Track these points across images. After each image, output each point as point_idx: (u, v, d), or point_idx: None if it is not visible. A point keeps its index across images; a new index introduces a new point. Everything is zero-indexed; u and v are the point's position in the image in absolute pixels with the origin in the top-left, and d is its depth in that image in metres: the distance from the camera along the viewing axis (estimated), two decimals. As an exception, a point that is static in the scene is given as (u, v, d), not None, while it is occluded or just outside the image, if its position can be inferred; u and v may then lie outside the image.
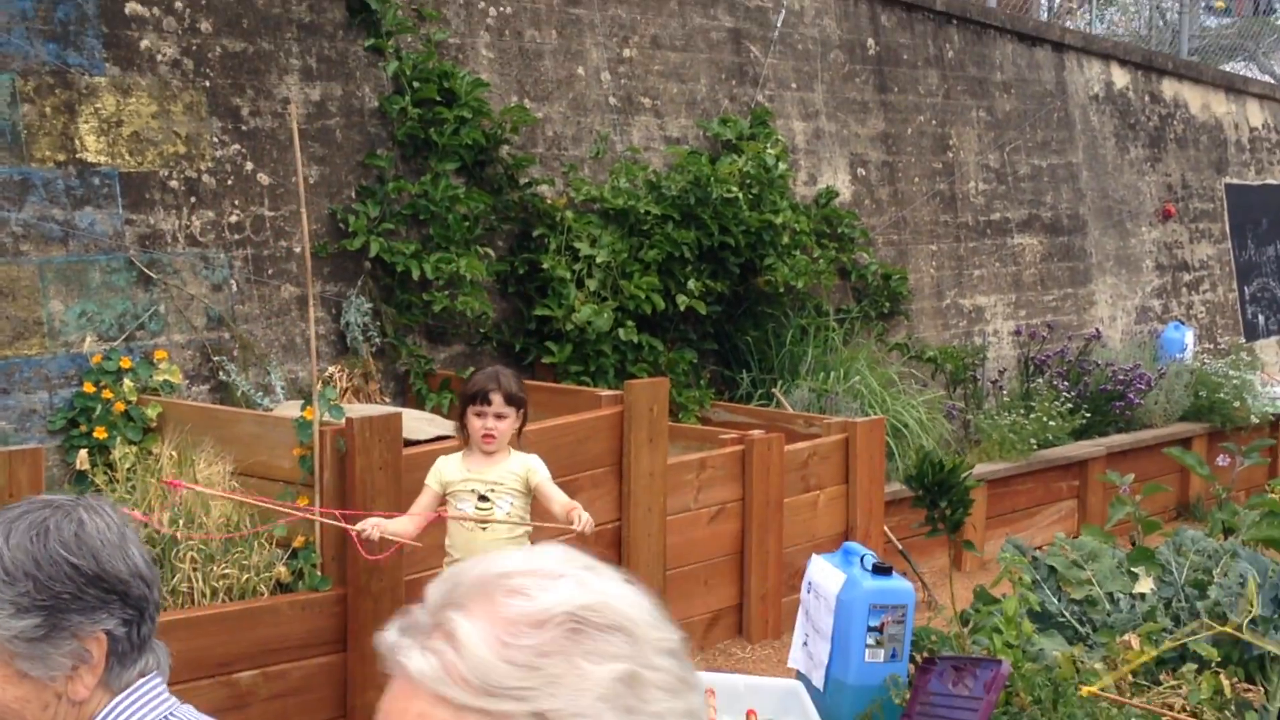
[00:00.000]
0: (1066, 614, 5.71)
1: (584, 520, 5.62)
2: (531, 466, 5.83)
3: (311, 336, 6.55)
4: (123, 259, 7.44)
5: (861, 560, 5.26)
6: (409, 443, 6.86)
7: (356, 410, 6.96)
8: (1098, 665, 5.12)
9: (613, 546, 7.48)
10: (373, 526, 5.67)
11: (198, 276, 7.74)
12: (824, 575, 5.39)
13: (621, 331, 8.80)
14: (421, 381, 8.42)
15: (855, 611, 5.16)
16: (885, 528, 8.95)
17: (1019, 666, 5.09)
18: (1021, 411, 10.84)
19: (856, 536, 8.69)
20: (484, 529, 5.70)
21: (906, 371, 10.63)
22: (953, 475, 4.90)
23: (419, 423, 7.25)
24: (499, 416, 5.76)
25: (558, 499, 5.78)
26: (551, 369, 8.86)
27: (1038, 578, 5.80)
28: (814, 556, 5.57)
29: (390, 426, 6.55)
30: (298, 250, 8.05)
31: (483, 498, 5.72)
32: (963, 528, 5.27)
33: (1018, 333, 12.37)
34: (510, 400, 5.78)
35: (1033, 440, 10.51)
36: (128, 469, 6.85)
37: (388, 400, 8.29)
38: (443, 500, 5.80)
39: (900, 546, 9.10)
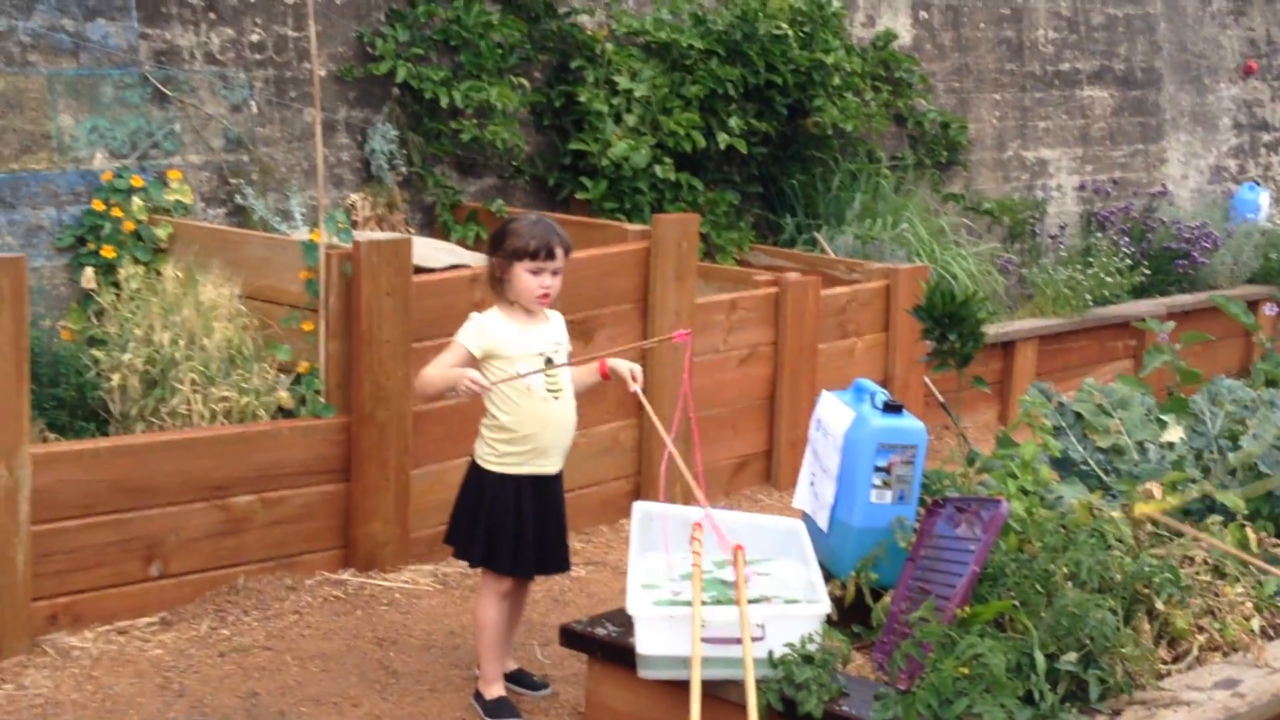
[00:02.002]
0: (1090, 462, 5.43)
1: (640, 376, 5.32)
2: (565, 332, 5.36)
3: (318, 155, 6.29)
4: (137, 75, 7.20)
5: (872, 398, 4.97)
6: (421, 270, 6.63)
7: (369, 236, 6.73)
8: (1115, 514, 4.83)
9: (635, 386, 7.23)
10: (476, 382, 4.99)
11: (216, 96, 7.49)
12: (832, 413, 5.12)
13: (659, 169, 8.49)
14: (448, 213, 8.16)
15: (862, 451, 4.88)
16: (926, 378, 8.64)
17: (1033, 513, 4.82)
18: (1079, 267, 10.45)
19: (895, 387, 8.42)
20: (557, 399, 5.17)
21: (960, 222, 10.27)
22: (965, 307, 4.59)
23: (434, 251, 7.00)
24: (555, 273, 5.16)
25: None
26: (586, 205, 8.58)
27: (1062, 424, 5.51)
28: (824, 393, 5.28)
29: (399, 252, 6.31)
30: (322, 73, 7.77)
31: (549, 361, 5.16)
32: (972, 361, 4.96)
33: (1082, 188, 11.94)
34: (567, 253, 5.20)
35: (1088, 296, 10.14)
36: (134, 289, 6.66)
37: (413, 231, 8.05)
38: (475, 367, 5.10)
39: (941, 398, 8.76)
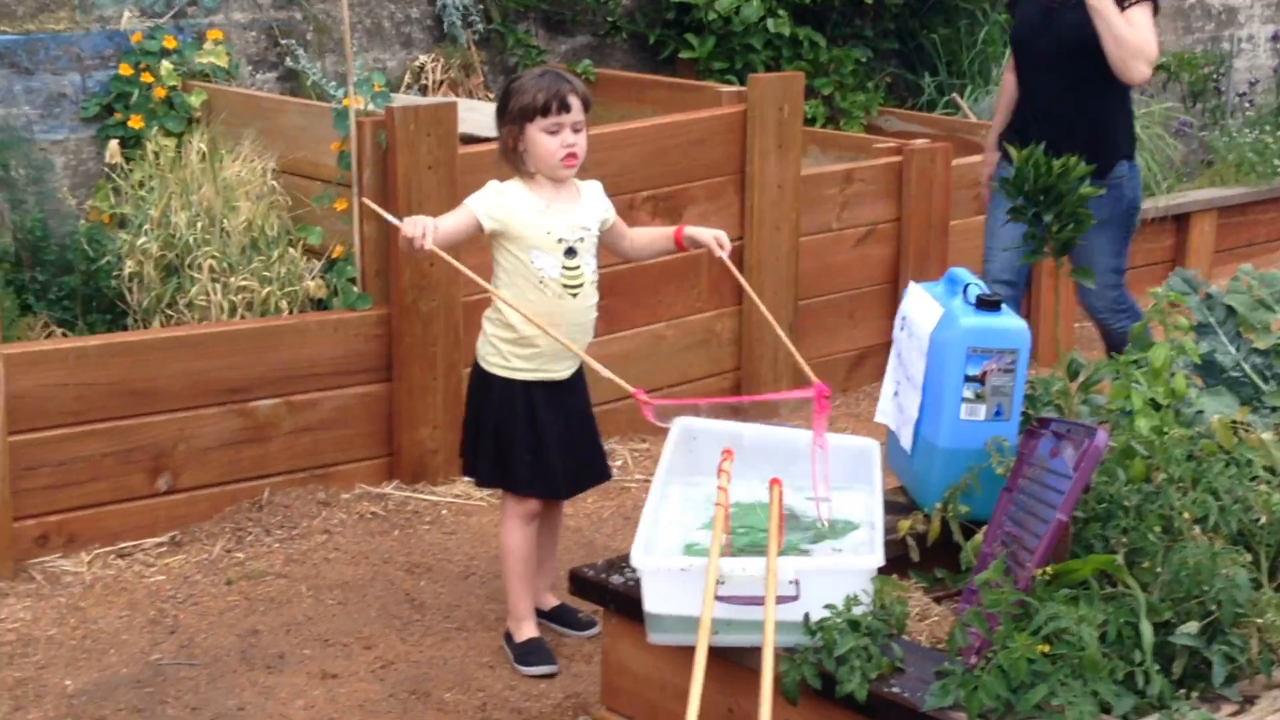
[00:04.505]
0: (1245, 367, 4.44)
1: (727, 244, 4.50)
2: (607, 203, 4.54)
3: (344, 4, 5.44)
4: (169, -79, 6.45)
5: (965, 291, 4.06)
6: (473, 140, 5.81)
7: (407, 101, 5.92)
8: (1266, 435, 3.87)
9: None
10: (423, 229, 4.11)
11: (264, -55, 6.71)
12: (919, 309, 4.21)
13: (772, 23, 7.53)
14: (532, 76, 7.30)
15: (950, 355, 3.98)
16: (1079, 259, 7.64)
17: (1163, 433, 3.88)
18: (1269, 129, 9.26)
19: (1041, 271, 7.42)
20: (574, 295, 4.35)
21: (1127, 80, 9.11)
22: (1063, 180, 3.64)
23: (487, 117, 6.14)
24: (576, 129, 4.32)
25: (637, 228, 4.69)
26: (692, 65, 7.67)
27: (1211, 321, 4.52)
28: (911, 284, 4.37)
29: (442, 119, 5.50)
30: (387, -82, 6.94)
31: (570, 251, 4.33)
32: (1072, 248, 3.99)
33: (1276, 39, 10.66)
34: (587, 106, 4.38)
35: (1278, 162, 8.95)
36: (160, 164, 5.95)
37: (492, 97, 7.21)
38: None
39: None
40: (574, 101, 4.31)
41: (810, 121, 7.66)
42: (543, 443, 4.41)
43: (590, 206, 4.45)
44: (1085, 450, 3.24)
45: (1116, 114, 5.80)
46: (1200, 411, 4.14)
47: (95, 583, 4.95)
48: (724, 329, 6.40)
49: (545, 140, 4.30)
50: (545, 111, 4.28)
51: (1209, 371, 4.45)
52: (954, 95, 8.23)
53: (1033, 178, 3.65)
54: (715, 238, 4.50)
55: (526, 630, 4.54)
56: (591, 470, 4.61)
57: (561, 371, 4.40)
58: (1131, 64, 5.53)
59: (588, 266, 4.38)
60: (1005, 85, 6.13)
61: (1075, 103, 5.67)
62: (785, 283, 6.45)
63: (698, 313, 6.31)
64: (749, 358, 6.44)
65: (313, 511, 5.40)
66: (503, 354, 4.36)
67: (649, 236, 4.69)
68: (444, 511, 5.51)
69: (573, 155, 4.33)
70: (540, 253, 4.30)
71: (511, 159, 4.38)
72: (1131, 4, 5.52)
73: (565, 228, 4.33)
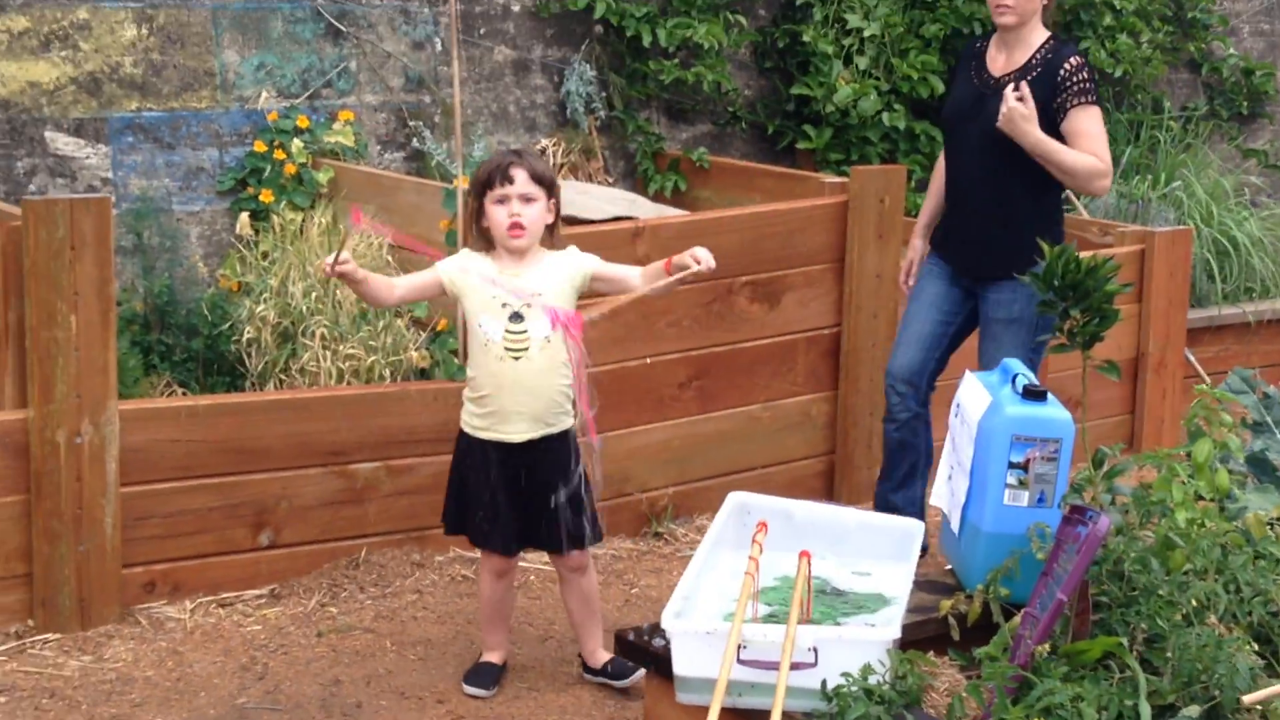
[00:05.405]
0: (1300, 466, 4.53)
1: (706, 255, 4.54)
2: (581, 261, 4.69)
3: (455, 89, 5.73)
4: (308, 9, 6.82)
5: (1013, 381, 4.21)
6: (577, 221, 6.07)
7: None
8: (1300, 533, 3.96)
9: (830, 355, 6.53)
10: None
11: (396, 32, 7.04)
12: (971, 396, 4.36)
13: (887, 116, 7.70)
14: (649, 161, 7.56)
15: (995, 442, 4.13)
16: (1188, 353, 7.70)
17: (1202, 525, 3.99)
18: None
19: (1149, 365, 7.49)
20: (516, 359, 4.57)
21: (1251, 182, 9.13)
22: (1092, 277, 3.79)
23: (601, 201, 6.40)
24: (526, 199, 4.54)
25: (633, 269, 4.75)
26: (810, 155, 7.87)
27: (1268, 419, 4.61)
28: (967, 373, 4.53)
29: (545, 201, 5.76)
30: (515, 8, 7.25)
31: (516, 316, 4.57)
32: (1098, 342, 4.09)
33: None
34: (537, 179, 4.58)
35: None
36: (285, 236, 6.30)
37: (611, 180, 7.48)
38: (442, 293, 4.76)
39: (1207, 380, 7.81)
40: (517, 173, 4.55)
41: (925, 214, 7.81)
42: (495, 501, 4.71)
43: (549, 273, 4.64)
44: (1088, 536, 3.37)
45: (1038, 208, 5.34)
46: (1245, 507, 4.23)
47: (195, 629, 5.24)
48: (819, 413, 6.56)
49: (496, 211, 4.58)
50: (490, 184, 4.58)
51: (1263, 469, 4.54)
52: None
53: (1062, 273, 3.80)
54: (692, 254, 4.55)
55: (486, 655, 4.96)
56: (535, 536, 4.81)
57: (514, 434, 4.65)
58: (1087, 188, 5.34)
59: (538, 332, 4.57)
60: (938, 169, 5.73)
61: (997, 193, 5.31)
62: (881, 370, 6.59)
63: (793, 396, 6.48)
64: (844, 441, 6.59)
65: (406, 571, 5.65)
66: (469, 411, 4.72)
67: (652, 271, 4.70)
68: (532, 577, 5.72)
69: (517, 225, 4.56)
70: (487, 316, 4.59)
71: (479, 232, 4.68)
72: (1073, 106, 5.18)
73: (511, 294, 4.56)
